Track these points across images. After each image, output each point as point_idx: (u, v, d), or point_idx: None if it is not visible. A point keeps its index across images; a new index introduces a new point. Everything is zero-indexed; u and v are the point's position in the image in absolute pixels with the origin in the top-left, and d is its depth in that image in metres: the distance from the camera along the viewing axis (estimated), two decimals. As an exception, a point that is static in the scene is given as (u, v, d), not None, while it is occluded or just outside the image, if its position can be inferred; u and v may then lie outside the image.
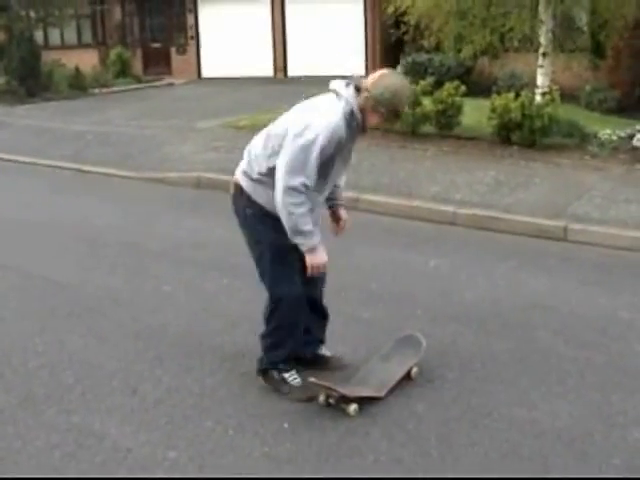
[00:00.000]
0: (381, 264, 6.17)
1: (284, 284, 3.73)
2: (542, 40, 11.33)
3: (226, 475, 3.36)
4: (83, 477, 3.36)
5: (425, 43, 12.98)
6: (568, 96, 11.93)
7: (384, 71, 3.65)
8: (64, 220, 7.69)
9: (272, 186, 3.64)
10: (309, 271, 3.70)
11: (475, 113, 10.90)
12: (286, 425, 3.72)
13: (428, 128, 10.82)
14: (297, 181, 3.51)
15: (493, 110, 10.11)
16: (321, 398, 3.83)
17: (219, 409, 3.89)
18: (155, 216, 7.89)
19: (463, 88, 10.79)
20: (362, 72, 19.16)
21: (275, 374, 4.01)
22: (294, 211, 3.54)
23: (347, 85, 3.61)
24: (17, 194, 9.10)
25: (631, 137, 9.92)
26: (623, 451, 3.49)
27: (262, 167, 3.72)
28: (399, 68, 17.32)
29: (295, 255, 3.69)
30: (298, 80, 19.48)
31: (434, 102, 10.61)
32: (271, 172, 3.66)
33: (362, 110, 3.58)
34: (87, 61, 21.78)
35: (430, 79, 11.53)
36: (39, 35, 22.33)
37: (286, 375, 3.99)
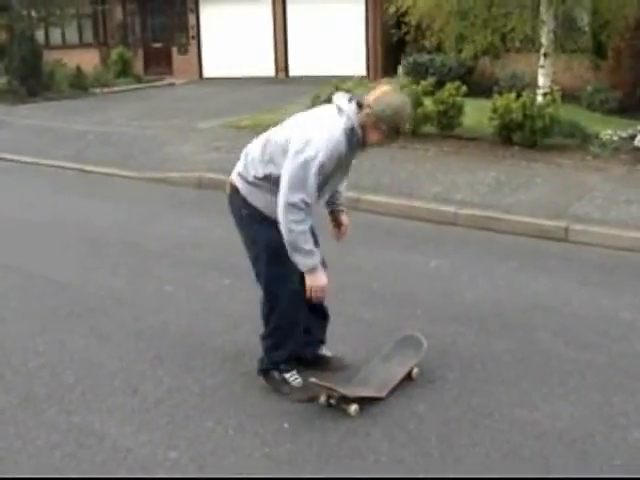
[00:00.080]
0: (382, 264, 6.17)
1: (281, 284, 3.73)
2: (543, 40, 11.32)
3: (226, 475, 3.36)
4: (83, 477, 3.36)
5: (426, 43, 12.96)
6: (569, 97, 11.92)
7: (386, 88, 3.64)
8: (65, 220, 7.69)
9: (268, 190, 3.68)
10: (308, 294, 3.69)
11: (476, 113, 10.90)
12: (287, 425, 3.72)
13: (429, 128, 10.82)
14: (297, 197, 3.52)
15: (494, 110, 10.10)
16: (322, 398, 3.83)
17: (220, 409, 3.89)
18: (156, 216, 7.89)
19: (464, 88, 10.79)
20: (363, 72, 19.21)
21: (276, 374, 4.01)
22: (294, 228, 3.55)
23: (349, 100, 3.60)
24: (18, 194, 9.11)
25: (632, 138, 9.92)
26: (624, 452, 3.49)
27: (258, 172, 3.73)
28: (400, 68, 17.35)
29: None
30: (299, 80, 19.49)
31: (435, 102, 10.61)
32: (267, 178, 3.69)
33: (363, 126, 3.58)
34: (88, 61, 21.79)
35: (431, 79, 11.52)
36: (40, 35, 22.33)
37: (287, 375, 4.00)
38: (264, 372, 4.05)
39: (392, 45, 17.60)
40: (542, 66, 11.47)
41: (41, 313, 5.22)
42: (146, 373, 4.30)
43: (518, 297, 5.44)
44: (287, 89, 18.14)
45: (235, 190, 3.85)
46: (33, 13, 20.07)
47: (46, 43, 23.37)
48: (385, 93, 3.59)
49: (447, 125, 10.71)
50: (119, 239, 6.96)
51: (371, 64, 20.67)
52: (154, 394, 4.06)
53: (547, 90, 11.08)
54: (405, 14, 12.39)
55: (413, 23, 12.28)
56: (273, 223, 3.69)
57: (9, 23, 19.46)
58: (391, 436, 3.61)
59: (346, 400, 3.78)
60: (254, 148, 3.82)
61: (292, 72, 21.89)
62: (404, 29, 12.93)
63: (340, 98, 3.64)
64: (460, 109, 10.66)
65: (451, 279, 5.85)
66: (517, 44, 13.17)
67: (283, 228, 3.57)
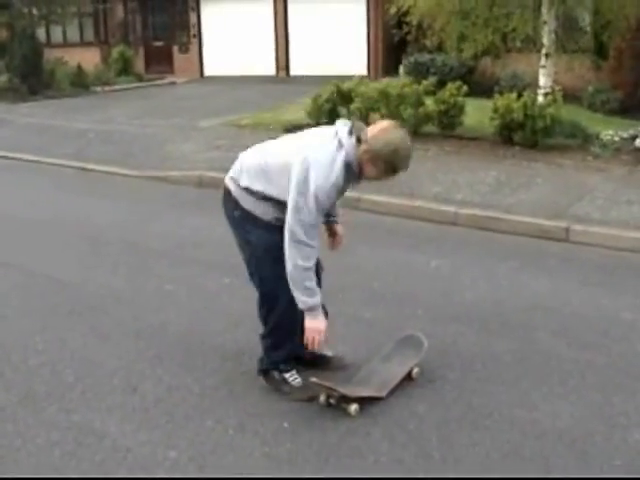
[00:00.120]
0: (382, 264, 6.16)
1: (278, 283, 3.72)
2: (545, 41, 11.31)
3: (226, 475, 3.36)
4: (83, 477, 3.35)
5: (427, 43, 12.97)
6: (570, 97, 11.91)
7: (386, 124, 3.61)
8: (66, 218, 7.69)
9: (260, 198, 3.71)
10: (306, 338, 3.68)
11: (477, 113, 10.89)
12: (286, 425, 3.72)
13: (430, 128, 10.82)
14: (305, 236, 3.52)
15: (495, 110, 10.10)
16: (322, 398, 3.83)
17: (220, 409, 3.88)
18: (157, 215, 7.89)
19: (465, 88, 10.79)
20: (364, 72, 19.19)
21: (276, 374, 4.01)
22: (301, 264, 3.55)
23: (350, 134, 3.56)
24: (19, 192, 9.10)
25: (633, 138, 9.91)
26: (624, 452, 3.49)
27: (252, 184, 3.74)
28: (401, 68, 17.34)
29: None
30: (300, 79, 19.49)
31: (436, 102, 10.61)
32: (258, 193, 3.71)
33: (360, 161, 3.57)
34: (89, 59, 21.80)
35: (432, 79, 11.51)
36: (41, 33, 22.33)
37: (287, 375, 3.99)
38: (264, 372, 4.05)
39: (393, 45, 17.60)
40: (543, 66, 11.47)
41: (41, 311, 5.22)
42: (146, 372, 4.30)
43: (518, 297, 5.43)
44: (288, 88, 18.14)
45: (228, 192, 3.86)
46: (34, 11, 20.08)
47: (47, 41, 23.38)
48: (385, 130, 3.56)
49: (448, 125, 10.71)
50: (119, 238, 6.96)
51: (372, 63, 20.67)
52: (154, 393, 4.06)
53: (548, 90, 11.09)
54: (406, 14, 12.39)
55: (414, 23, 12.28)
56: (266, 224, 3.73)
57: (10, 21, 19.46)
58: (391, 436, 3.61)
59: (346, 400, 3.78)
60: (249, 157, 3.83)
61: (293, 71, 21.89)
62: (405, 29, 12.94)
63: (341, 129, 3.60)
64: (461, 109, 10.66)
65: (452, 279, 5.85)
66: (518, 44, 13.18)
67: (288, 262, 3.57)
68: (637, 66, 14.28)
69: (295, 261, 3.55)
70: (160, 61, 24.03)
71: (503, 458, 3.45)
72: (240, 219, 3.84)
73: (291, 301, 3.71)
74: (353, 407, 3.77)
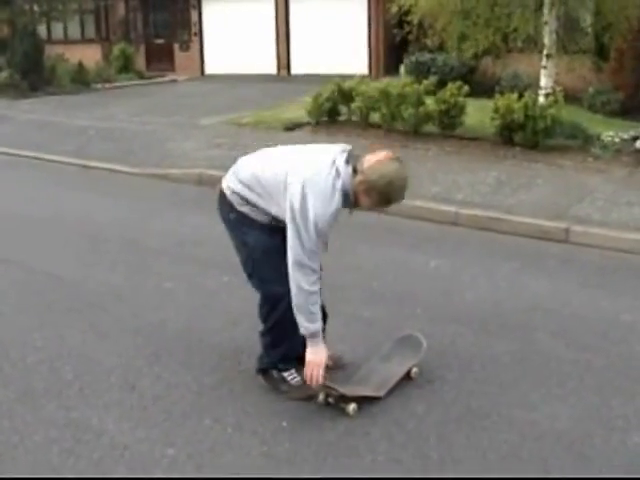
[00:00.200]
0: (382, 263, 6.16)
1: (278, 284, 3.71)
2: (546, 41, 11.31)
3: (224, 474, 3.35)
4: (81, 477, 3.35)
5: (428, 42, 12.96)
6: (571, 98, 11.90)
7: (383, 156, 3.58)
8: (66, 215, 7.69)
9: (254, 207, 3.73)
10: (305, 372, 3.70)
11: (478, 113, 10.88)
12: (285, 424, 3.72)
13: (430, 128, 10.81)
14: (307, 260, 3.54)
15: (496, 110, 10.09)
16: (320, 397, 3.82)
17: (218, 407, 3.88)
18: (157, 212, 7.88)
19: (466, 88, 10.78)
20: (365, 71, 19.18)
21: (274, 373, 4.00)
22: (307, 288, 3.57)
23: (347, 163, 3.55)
24: (19, 189, 9.10)
25: (634, 139, 9.90)
26: (623, 455, 3.48)
27: (246, 194, 3.75)
28: (402, 67, 17.34)
29: (283, 255, 3.66)
30: (301, 78, 19.48)
31: (437, 102, 10.59)
32: (251, 202, 3.73)
33: (355, 191, 3.56)
34: (90, 56, 21.79)
35: (433, 79, 11.50)
36: (42, 29, 22.31)
37: (285, 374, 3.99)
38: (263, 371, 4.05)
39: (394, 44, 17.56)
40: (544, 67, 11.46)
41: (40, 308, 5.22)
42: (144, 369, 4.29)
43: (518, 298, 5.43)
44: (289, 87, 18.13)
45: (223, 195, 3.87)
46: (35, 7, 20.07)
47: (48, 38, 23.36)
48: (381, 162, 3.54)
49: (448, 125, 10.70)
50: (119, 235, 6.95)
51: (373, 63, 20.66)
52: (152, 391, 4.05)
53: (549, 91, 11.08)
54: (407, 13, 12.38)
55: (415, 22, 12.28)
56: (262, 226, 3.75)
57: (11, 17, 19.44)
58: (390, 436, 3.61)
59: (344, 399, 3.77)
60: (245, 171, 3.82)
61: (294, 70, 21.88)
62: (406, 28, 12.92)
63: (339, 157, 3.58)
64: (462, 109, 10.65)
65: (451, 279, 5.84)
66: (519, 44, 13.15)
67: (292, 286, 3.58)
68: (638, 67, 14.30)
69: (299, 284, 3.56)
70: (161, 59, 24.03)
71: (501, 459, 3.44)
72: (236, 221, 3.85)
73: (291, 302, 3.70)
74: (351, 406, 3.77)
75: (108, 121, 13.59)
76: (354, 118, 11.63)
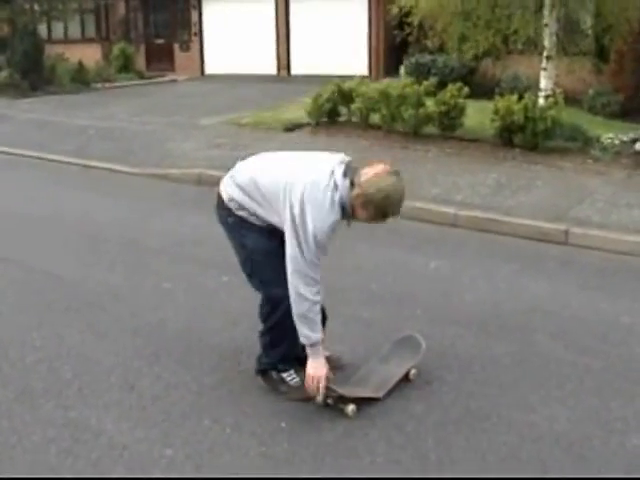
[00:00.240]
0: (381, 265, 6.16)
1: (278, 285, 3.71)
2: (546, 43, 11.31)
3: (223, 474, 3.35)
4: (80, 477, 3.34)
5: (429, 44, 12.96)
6: (571, 100, 11.90)
7: (380, 169, 3.57)
8: (65, 215, 7.68)
9: (252, 214, 3.74)
10: (307, 382, 3.71)
11: (478, 115, 10.88)
12: (284, 425, 3.71)
13: (430, 129, 10.81)
14: (308, 269, 3.55)
15: (496, 112, 10.09)
16: (319, 398, 3.82)
17: (217, 407, 3.88)
18: (156, 212, 7.88)
19: (466, 90, 10.78)
20: (365, 72, 19.18)
21: (274, 374, 4.00)
22: (310, 297, 3.58)
23: (344, 176, 3.55)
24: (19, 188, 9.09)
25: (634, 142, 9.89)
26: (621, 457, 3.48)
27: (244, 202, 3.76)
28: (402, 68, 17.34)
29: (282, 257, 3.66)
30: (301, 79, 19.47)
31: (437, 103, 10.59)
32: (249, 210, 3.74)
33: (352, 204, 3.56)
34: (90, 56, 21.78)
35: (433, 80, 11.50)
36: (43, 29, 22.28)
37: (284, 375, 3.99)
38: (262, 372, 4.05)
39: (394, 45, 17.56)
40: (544, 68, 11.46)
41: (39, 307, 5.22)
42: (143, 369, 4.29)
43: (517, 300, 5.42)
44: (288, 87, 18.13)
45: (221, 200, 3.88)
46: (36, 7, 20.05)
47: (48, 37, 23.34)
48: (378, 176, 3.53)
49: (448, 126, 10.70)
50: (118, 235, 6.95)
51: (373, 64, 20.66)
52: (151, 391, 4.05)
53: (549, 93, 11.08)
54: (408, 14, 12.39)
55: (416, 23, 12.28)
56: (261, 229, 3.76)
57: (11, 16, 19.42)
58: (388, 437, 3.61)
59: (343, 400, 3.77)
60: (242, 172, 3.83)
61: (294, 70, 21.87)
62: (407, 29, 12.92)
63: (337, 169, 3.58)
64: (462, 110, 10.65)
65: (451, 280, 5.84)
66: (519, 46, 13.15)
67: (293, 295, 3.59)
68: (638, 69, 14.28)
69: (303, 294, 3.57)
70: (161, 59, 24.03)
71: (500, 461, 3.44)
72: (234, 224, 3.85)
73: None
74: (350, 407, 3.76)
75: (108, 121, 13.59)
76: (354, 119, 11.63)
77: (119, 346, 4.60)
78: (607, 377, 4.24)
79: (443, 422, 3.74)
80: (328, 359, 4.15)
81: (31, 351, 4.52)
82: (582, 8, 12.25)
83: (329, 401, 3.80)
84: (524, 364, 4.39)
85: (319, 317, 3.66)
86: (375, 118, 11.27)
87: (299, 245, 3.53)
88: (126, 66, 22.10)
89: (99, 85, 19.40)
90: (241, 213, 3.79)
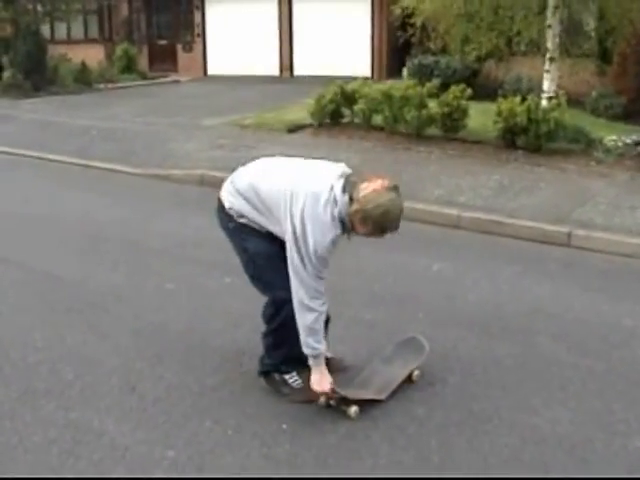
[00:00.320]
0: (384, 266, 6.15)
1: (281, 288, 3.70)
2: (549, 45, 11.30)
3: (224, 475, 3.34)
4: (81, 477, 3.34)
5: (432, 45, 12.96)
6: (574, 101, 11.90)
7: (379, 185, 3.53)
8: (67, 215, 7.68)
9: (252, 221, 3.76)
10: (313, 397, 3.76)
11: (481, 116, 10.87)
12: (285, 426, 3.71)
13: (433, 130, 10.80)
14: (312, 282, 3.57)
15: (499, 114, 10.09)
16: (322, 399, 3.81)
17: (219, 409, 3.87)
18: (158, 213, 7.88)
19: (469, 91, 10.78)
20: (368, 73, 19.18)
21: (276, 375, 4.00)
22: (318, 308, 3.61)
23: (343, 191, 3.53)
24: (21, 188, 9.09)
25: (637, 144, 9.89)
26: (624, 460, 3.47)
27: (244, 211, 3.77)
28: (405, 70, 17.34)
29: (284, 260, 3.66)
30: (304, 80, 19.48)
31: (440, 105, 10.59)
32: (249, 217, 3.76)
33: (351, 219, 3.56)
34: (93, 56, 21.78)
35: (436, 81, 11.51)
36: (46, 29, 22.31)
37: (287, 377, 3.98)
38: (264, 374, 4.04)
39: (397, 46, 17.59)
40: (547, 70, 11.44)
41: (41, 308, 5.21)
42: (145, 371, 4.28)
43: (520, 301, 5.42)
44: (291, 88, 18.13)
45: (222, 206, 3.89)
46: (39, 7, 20.07)
47: (51, 38, 23.33)
48: (376, 191, 3.50)
49: (451, 128, 10.69)
50: (120, 235, 6.95)
51: (376, 65, 20.66)
52: (153, 392, 4.04)
53: (552, 94, 11.07)
54: (411, 15, 12.38)
55: (419, 25, 12.27)
56: (261, 234, 3.77)
57: (14, 17, 19.43)
58: (391, 439, 3.60)
59: (346, 402, 3.77)
60: (242, 180, 3.83)
61: (297, 71, 21.88)
62: (410, 31, 12.92)
63: (337, 184, 3.56)
64: (465, 112, 10.64)
65: (453, 282, 5.83)
66: (522, 48, 13.17)
67: (299, 307, 3.60)
68: (641, 72, 14.26)
69: (309, 305, 3.59)
70: (164, 59, 24.04)
71: (502, 463, 3.43)
72: (235, 229, 3.86)
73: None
74: (353, 409, 3.76)
75: (110, 121, 13.59)
76: (357, 120, 11.63)
77: (121, 347, 4.60)
78: (609, 379, 4.23)
79: (445, 424, 3.74)
80: (330, 361, 4.16)
81: (33, 352, 4.52)
82: (585, 10, 12.25)
83: (332, 403, 3.80)
84: (526, 366, 4.38)
85: (323, 328, 3.68)
86: (378, 119, 11.27)
87: (301, 259, 3.54)
88: (129, 67, 22.11)
89: (102, 86, 19.40)
90: (242, 220, 3.80)
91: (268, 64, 21.85)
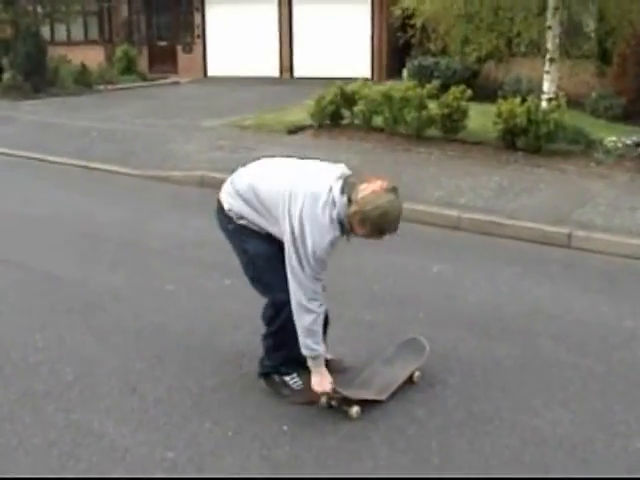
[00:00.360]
0: (383, 267, 6.15)
1: (281, 290, 3.70)
2: (549, 46, 11.31)
3: (224, 476, 3.34)
4: (81, 477, 3.34)
5: (431, 46, 12.96)
6: (574, 102, 11.90)
7: (377, 186, 3.52)
8: (67, 216, 7.68)
9: (251, 223, 3.76)
10: (315, 398, 3.77)
11: (480, 117, 10.88)
12: (286, 428, 3.70)
13: (433, 132, 10.81)
14: (309, 284, 3.57)
15: (499, 115, 10.09)
16: (323, 400, 3.81)
17: (219, 410, 3.87)
18: (158, 214, 7.88)
19: (469, 92, 10.78)
20: (368, 74, 19.17)
21: (276, 377, 3.99)
22: (317, 310, 3.60)
23: (342, 192, 3.53)
24: (21, 189, 9.09)
25: (637, 145, 9.89)
26: (624, 461, 3.47)
27: (243, 212, 3.77)
28: (405, 71, 17.34)
29: (283, 262, 3.66)
30: (304, 81, 19.48)
31: (440, 106, 10.60)
32: (248, 220, 3.76)
33: (350, 221, 3.55)
34: (93, 58, 21.79)
35: (436, 82, 11.51)
36: (46, 31, 22.29)
37: (287, 378, 3.98)
38: (264, 375, 4.04)
39: (397, 47, 17.60)
40: (547, 71, 11.45)
41: (41, 309, 5.21)
42: (145, 372, 4.28)
43: (520, 303, 5.41)
44: (291, 90, 18.14)
45: (221, 208, 3.89)
46: (39, 9, 20.08)
47: (51, 39, 23.31)
48: (375, 193, 3.49)
49: (451, 129, 10.70)
50: (120, 237, 6.94)
51: (376, 66, 20.68)
52: (153, 393, 4.04)
53: (552, 95, 11.07)
54: (411, 17, 12.39)
55: (419, 26, 12.28)
56: (261, 235, 3.77)
57: (14, 18, 19.43)
58: (391, 441, 3.59)
59: (347, 402, 3.76)
60: (241, 181, 3.83)
61: (297, 73, 21.90)
62: (410, 32, 12.93)
63: (335, 186, 3.55)
64: (464, 113, 10.65)
65: (453, 283, 5.83)
66: (522, 49, 13.17)
67: (298, 309, 3.60)
68: (641, 72, 14.26)
69: (307, 307, 3.59)
70: (164, 61, 24.06)
71: (503, 464, 3.43)
72: (234, 231, 3.86)
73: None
74: (354, 409, 3.76)
75: (110, 122, 13.60)
76: (357, 121, 11.63)
77: (121, 348, 4.59)
78: (610, 380, 4.23)
79: (445, 425, 3.73)
80: (330, 362, 4.16)
81: (33, 353, 4.52)
82: (585, 11, 12.26)
83: (333, 403, 3.80)
84: (527, 367, 4.38)
85: (321, 329, 3.68)
86: (378, 121, 11.27)
87: (299, 261, 3.54)
88: (129, 68, 22.11)
89: (102, 87, 19.41)
90: (242, 222, 3.80)
91: (268, 65, 21.87)
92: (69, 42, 24.20)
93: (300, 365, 3.92)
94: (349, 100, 11.62)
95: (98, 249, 6.59)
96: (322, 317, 3.66)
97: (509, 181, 8.73)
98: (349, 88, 11.68)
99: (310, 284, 3.57)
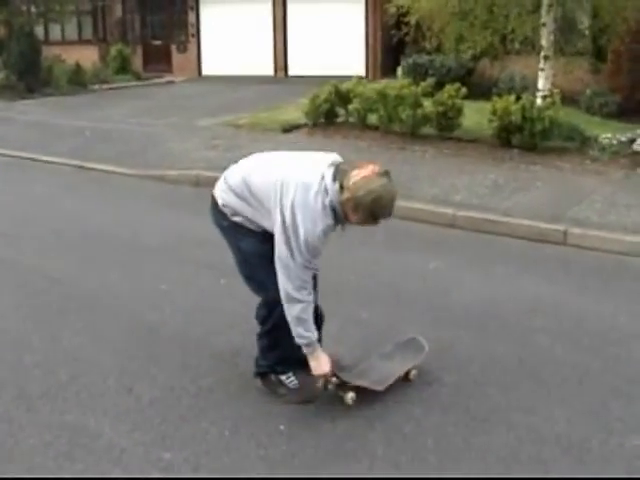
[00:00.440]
0: (379, 265, 6.14)
1: (275, 288, 3.69)
2: (543, 43, 11.31)
3: (221, 476, 3.33)
4: (78, 477, 3.33)
5: (426, 44, 12.96)
6: (568, 100, 11.91)
7: (369, 171, 3.49)
8: (62, 216, 7.66)
9: (246, 219, 3.74)
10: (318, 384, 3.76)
11: (475, 115, 10.88)
12: (282, 427, 3.70)
13: (428, 130, 10.81)
14: (299, 272, 3.56)
15: (494, 112, 10.09)
16: (319, 383, 3.78)
17: (215, 410, 3.86)
18: (153, 214, 7.86)
19: (464, 90, 10.78)
20: (363, 73, 19.15)
21: (272, 376, 3.98)
22: (306, 299, 3.59)
23: (333, 179, 3.51)
24: (15, 189, 9.07)
25: (631, 141, 9.91)
26: (621, 458, 3.47)
27: (237, 207, 3.76)
28: (399, 69, 17.33)
29: None
30: (298, 80, 19.47)
31: (434, 104, 10.60)
32: (242, 215, 3.74)
33: (343, 208, 3.53)
34: (87, 57, 21.76)
35: (431, 80, 11.50)
36: (40, 30, 22.29)
37: (283, 377, 3.97)
38: (260, 375, 4.03)
39: (392, 46, 17.58)
40: (542, 69, 11.46)
41: (36, 309, 5.19)
42: (140, 372, 4.27)
43: (516, 300, 5.41)
44: (286, 88, 18.13)
45: (215, 204, 3.88)
46: (32, 8, 20.05)
47: (45, 39, 23.33)
48: (367, 178, 3.46)
49: (446, 127, 10.70)
50: (115, 236, 6.93)
51: (370, 64, 20.67)
52: (149, 393, 4.03)
53: (547, 93, 11.08)
54: (405, 14, 12.38)
55: (413, 23, 12.27)
56: (255, 233, 3.75)
57: (8, 18, 19.42)
58: (387, 439, 3.59)
59: (343, 388, 3.76)
60: (234, 175, 3.83)
61: (291, 71, 21.88)
62: (404, 29, 12.92)
63: (327, 173, 3.53)
64: (459, 111, 10.65)
65: (449, 281, 5.83)
66: (517, 46, 13.15)
67: (286, 299, 3.59)
68: (635, 69, 14.27)
69: (295, 296, 3.57)
70: (158, 60, 24.02)
71: (500, 462, 3.43)
72: (229, 228, 3.85)
73: None
74: (350, 395, 3.76)
75: (105, 122, 13.57)
76: (351, 120, 11.63)
77: (116, 348, 4.58)
78: (606, 377, 4.23)
79: (442, 423, 3.73)
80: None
81: (28, 353, 4.50)
82: (579, 8, 12.27)
83: (329, 387, 3.79)
84: (523, 365, 4.38)
85: (312, 317, 3.65)
86: (373, 119, 11.27)
87: (290, 250, 3.51)
88: (123, 67, 22.10)
89: (96, 87, 19.38)
90: (236, 219, 3.78)
91: (262, 64, 21.85)
92: (63, 42, 24.18)
93: (296, 364, 3.92)
94: (344, 98, 11.62)
95: (93, 248, 6.57)
96: (312, 306, 3.64)
97: (504, 179, 8.73)
98: (344, 86, 11.68)
99: (299, 272, 3.54)
